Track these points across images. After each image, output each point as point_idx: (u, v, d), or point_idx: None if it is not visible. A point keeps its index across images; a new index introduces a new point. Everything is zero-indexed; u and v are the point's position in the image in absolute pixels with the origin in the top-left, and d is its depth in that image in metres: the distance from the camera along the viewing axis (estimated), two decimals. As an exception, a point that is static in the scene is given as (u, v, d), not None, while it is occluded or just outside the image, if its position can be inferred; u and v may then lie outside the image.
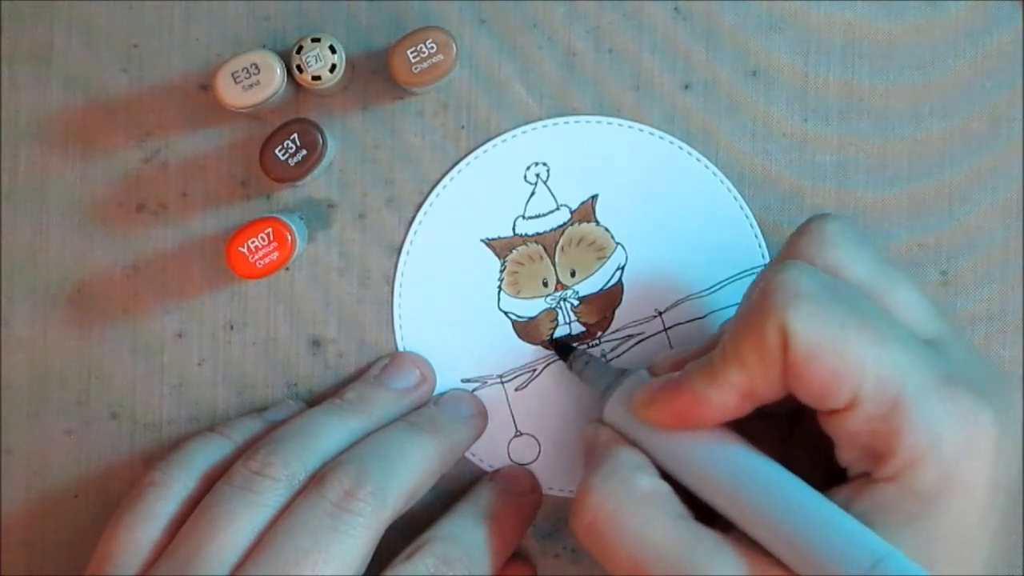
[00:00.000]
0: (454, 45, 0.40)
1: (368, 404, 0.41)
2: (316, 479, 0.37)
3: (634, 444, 0.37)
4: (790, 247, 0.36)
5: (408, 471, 0.39)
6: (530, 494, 0.43)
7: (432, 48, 0.40)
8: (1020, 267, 0.44)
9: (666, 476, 0.36)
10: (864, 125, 0.44)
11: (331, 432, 0.40)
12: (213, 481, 0.39)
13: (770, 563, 0.32)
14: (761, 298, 0.33)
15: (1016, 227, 0.44)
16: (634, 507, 0.34)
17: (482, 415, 0.43)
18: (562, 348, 0.43)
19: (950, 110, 0.44)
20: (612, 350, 0.44)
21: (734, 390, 0.34)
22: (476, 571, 0.39)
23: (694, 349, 0.39)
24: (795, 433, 0.38)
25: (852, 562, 0.30)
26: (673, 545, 0.33)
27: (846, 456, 0.34)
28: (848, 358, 0.32)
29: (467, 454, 0.44)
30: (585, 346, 0.44)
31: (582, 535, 0.35)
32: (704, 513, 0.35)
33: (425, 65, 0.40)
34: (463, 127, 0.43)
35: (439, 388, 0.43)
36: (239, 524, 0.37)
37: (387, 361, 0.43)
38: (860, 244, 0.36)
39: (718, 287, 0.43)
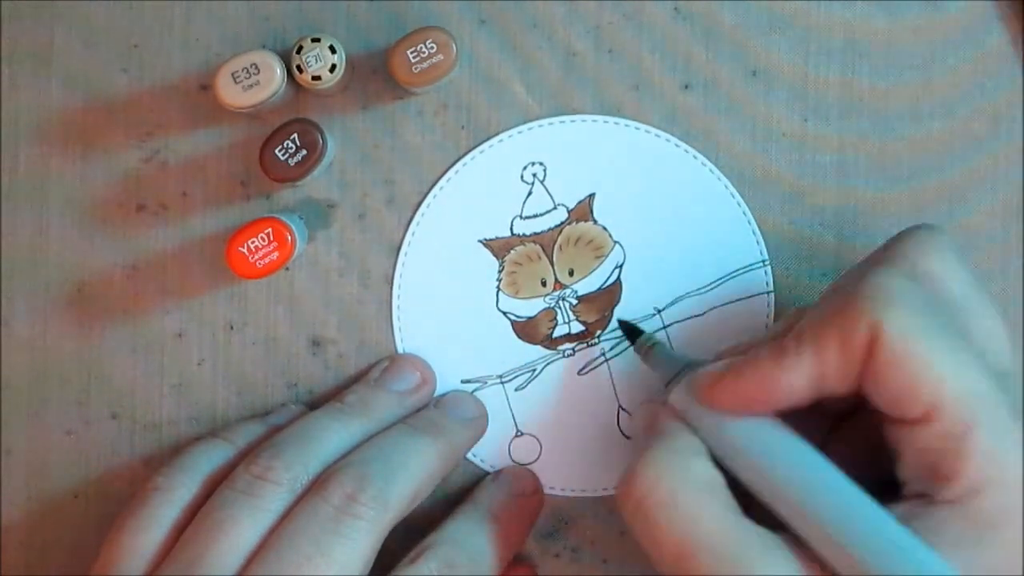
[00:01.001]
0: (454, 45, 0.40)
1: (369, 407, 0.41)
2: (318, 483, 0.37)
3: (695, 431, 0.37)
4: (891, 248, 0.36)
5: (410, 474, 0.39)
6: (532, 495, 0.43)
7: (432, 48, 0.40)
8: (1020, 267, 0.44)
9: (722, 470, 0.35)
10: (864, 125, 0.44)
11: (332, 435, 0.40)
12: (216, 485, 0.39)
13: (820, 568, 0.32)
14: (856, 294, 0.33)
15: (1016, 227, 0.44)
16: (690, 492, 0.34)
17: (483, 416, 0.43)
18: (629, 330, 0.43)
19: (950, 110, 0.44)
20: (611, 349, 0.44)
21: (804, 376, 0.34)
22: (479, 573, 0.39)
23: (758, 338, 0.39)
24: (835, 436, 0.38)
25: None
26: (724, 537, 0.33)
27: (908, 471, 0.34)
28: (933, 370, 0.32)
29: (468, 455, 0.44)
30: (584, 345, 0.44)
31: (629, 510, 0.34)
32: (754, 512, 0.34)
33: (425, 65, 0.40)
34: (463, 127, 0.43)
35: (439, 389, 0.43)
36: (242, 528, 0.37)
37: (387, 363, 0.43)
38: (959, 261, 0.36)
39: (716, 284, 0.43)
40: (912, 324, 0.32)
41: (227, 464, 0.40)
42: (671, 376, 0.39)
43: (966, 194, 0.44)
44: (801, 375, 0.34)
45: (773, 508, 0.34)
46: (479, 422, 0.43)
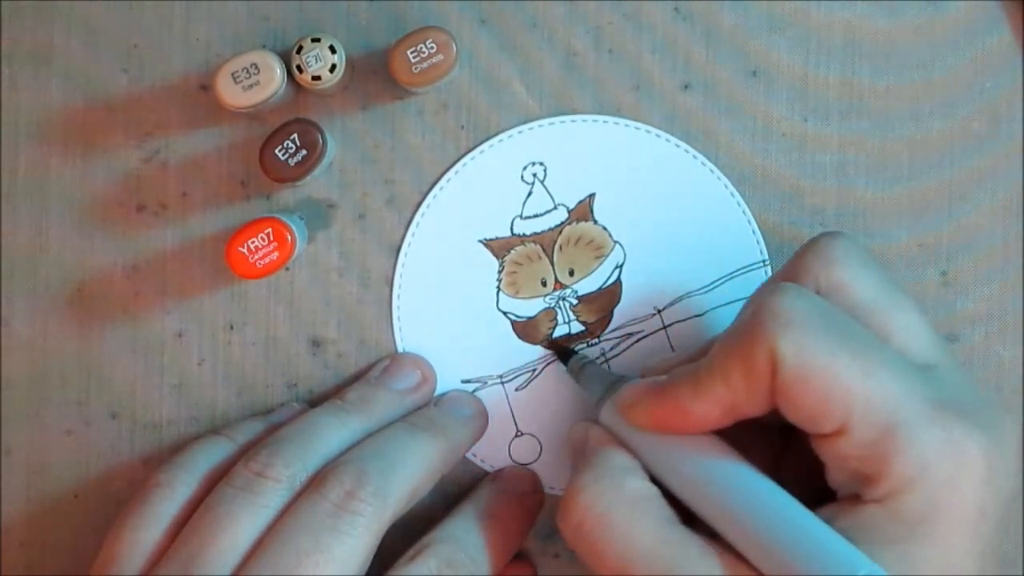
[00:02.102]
0: (454, 45, 0.40)
1: (369, 405, 0.41)
2: (316, 480, 0.37)
3: (625, 447, 0.37)
4: (795, 262, 0.37)
5: (408, 471, 0.39)
6: (532, 494, 0.43)
7: (432, 48, 0.40)
8: (1020, 267, 0.44)
9: (655, 481, 0.36)
10: (864, 125, 0.44)
11: (332, 433, 0.40)
12: (216, 482, 0.39)
13: (754, 574, 0.33)
14: (752, 320, 0.33)
15: (1016, 227, 0.44)
16: (624, 509, 0.34)
17: (482, 415, 0.43)
18: (561, 351, 0.43)
19: (950, 110, 0.44)
20: (611, 348, 0.44)
21: (717, 404, 0.34)
22: (479, 572, 0.39)
23: (687, 355, 0.40)
24: (789, 447, 0.38)
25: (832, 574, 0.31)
26: (660, 549, 0.33)
27: (835, 478, 0.34)
28: (837, 386, 0.32)
29: (468, 455, 0.44)
30: (584, 345, 0.44)
31: (570, 535, 0.35)
32: (691, 519, 0.35)
33: (425, 65, 0.40)
34: (463, 127, 0.43)
35: (439, 389, 0.43)
36: (240, 525, 0.37)
37: (388, 362, 0.43)
38: (865, 264, 0.36)
39: (716, 285, 0.43)
40: (808, 345, 0.32)
41: (227, 461, 0.40)
42: (600, 394, 0.39)
43: (966, 194, 0.44)
44: (714, 405, 0.34)
45: (702, 516, 0.34)
46: (479, 421, 0.43)
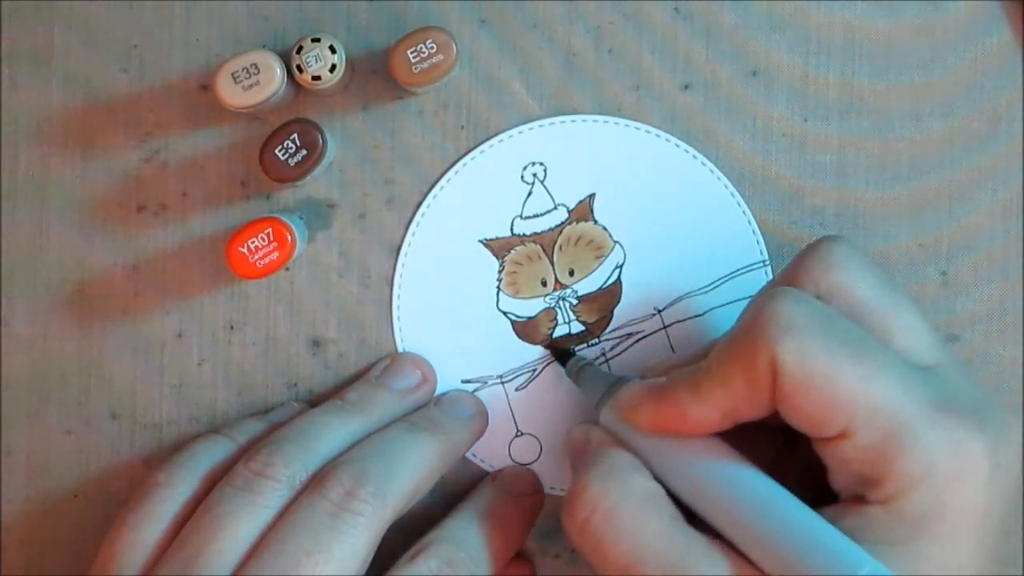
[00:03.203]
0: (454, 45, 0.40)
1: (369, 405, 0.41)
2: (316, 479, 0.37)
3: (627, 448, 0.37)
4: (795, 267, 0.37)
5: (408, 471, 0.39)
6: (532, 495, 0.43)
7: (432, 48, 0.40)
8: (1020, 267, 0.44)
9: (658, 481, 0.36)
10: (864, 125, 0.44)
11: (332, 433, 0.40)
12: (216, 482, 0.39)
13: (759, 574, 0.33)
14: (752, 325, 0.33)
15: (1016, 227, 0.44)
16: (631, 506, 0.34)
17: (482, 415, 0.43)
18: (560, 353, 0.43)
19: (950, 110, 0.44)
20: (611, 348, 0.44)
21: (716, 408, 0.34)
22: (479, 572, 0.39)
23: (687, 356, 0.40)
24: (789, 447, 0.38)
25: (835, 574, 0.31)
26: (667, 547, 0.33)
27: (838, 480, 0.34)
28: (839, 391, 0.32)
29: (468, 455, 0.44)
30: (585, 345, 0.44)
31: (575, 533, 0.35)
32: (693, 519, 0.35)
33: (425, 65, 0.40)
34: (463, 127, 0.43)
35: (440, 389, 0.43)
36: (240, 525, 0.37)
37: (388, 362, 0.43)
38: (865, 267, 0.36)
39: (716, 285, 0.43)
40: (808, 351, 0.32)
41: (228, 460, 0.40)
42: (600, 395, 0.39)
43: (966, 194, 0.44)
44: (713, 409, 0.34)
45: (704, 516, 0.34)
46: (479, 421, 0.43)
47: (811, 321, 0.33)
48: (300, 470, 0.38)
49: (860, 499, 0.33)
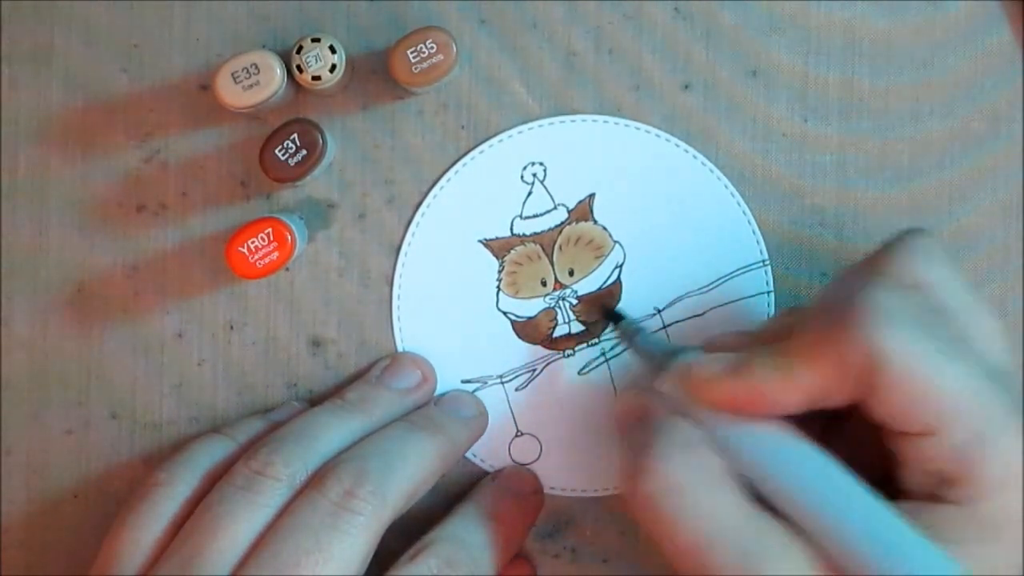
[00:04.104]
0: (454, 45, 0.40)
1: (369, 404, 0.41)
2: (316, 478, 0.37)
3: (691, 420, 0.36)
4: (882, 257, 0.36)
5: (408, 470, 0.39)
6: (532, 495, 0.43)
7: (432, 48, 0.40)
8: (1020, 267, 0.44)
9: None
10: (864, 125, 0.44)
11: (332, 432, 0.40)
12: (216, 481, 0.39)
13: (835, 569, 0.32)
14: (851, 311, 0.33)
15: (1016, 227, 0.44)
16: (702, 485, 0.33)
17: (483, 415, 0.43)
18: (610, 314, 0.43)
19: (950, 110, 0.44)
20: (611, 348, 0.44)
21: (800, 391, 0.34)
22: (479, 572, 0.39)
23: (755, 331, 0.39)
24: (831, 434, 0.38)
25: None
26: (743, 531, 0.32)
27: (913, 477, 0.34)
28: (935, 387, 0.32)
29: (468, 455, 0.44)
30: (584, 346, 0.44)
31: (639, 504, 0.34)
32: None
33: (425, 65, 0.40)
34: (463, 127, 0.43)
35: (439, 389, 0.43)
36: (240, 524, 0.37)
37: (388, 362, 0.43)
38: (952, 268, 0.36)
39: (716, 284, 0.43)
40: (911, 342, 0.32)
41: (228, 459, 0.40)
42: (659, 364, 0.38)
43: (966, 194, 0.44)
44: (796, 390, 0.34)
45: (775, 501, 0.33)
46: (479, 421, 0.43)
47: (911, 315, 0.33)
48: (300, 469, 0.38)
49: (935, 497, 0.33)
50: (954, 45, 0.44)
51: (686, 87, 0.43)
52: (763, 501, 0.34)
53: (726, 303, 0.43)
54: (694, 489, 0.33)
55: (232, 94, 0.40)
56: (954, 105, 0.44)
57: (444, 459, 0.41)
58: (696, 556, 0.32)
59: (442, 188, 0.43)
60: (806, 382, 0.33)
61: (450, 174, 0.43)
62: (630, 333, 0.42)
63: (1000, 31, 0.44)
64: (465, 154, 0.43)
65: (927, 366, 0.32)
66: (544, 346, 0.44)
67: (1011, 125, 0.44)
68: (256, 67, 0.40)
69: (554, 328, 0.44)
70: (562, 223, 0.43)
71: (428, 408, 0.43)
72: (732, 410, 0.35)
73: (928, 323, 0.33)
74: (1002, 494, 0.32)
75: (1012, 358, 0.35)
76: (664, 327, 0.44)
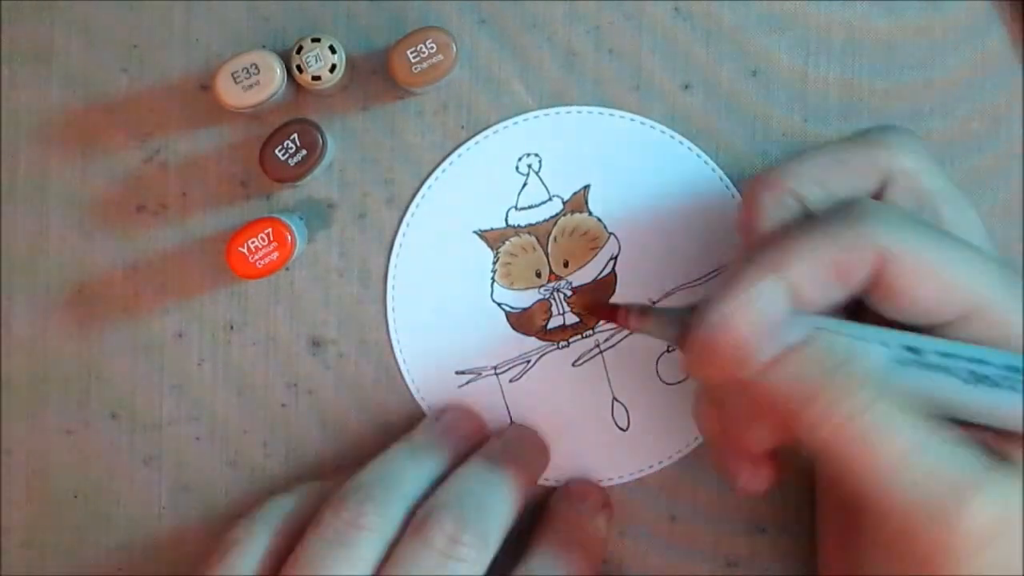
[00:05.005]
0: (454, 45, 0.40)
1: (438, 447, 0.41)
2: (414, 526, 0.37)
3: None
4: (852, 149, 0.36)
5: (501, 508, 0.39)
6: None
7: (432, 48, 0.40)
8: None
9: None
10: (864, 125, 0.43)
11: (411, 474, 0.39)
12: (293, 535, 0.38)
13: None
14: (850, 216, 0.33)
15: (1016, 227, 0.44)
16: (892, 404, 0.32)
17: (546, 447, 0.43)
18: (606, 313, 0.42)
19: (950, 110, 0.44)
20: (606, 340, 0.44)
21: (784, 286, 0.33)
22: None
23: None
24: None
25: None
26: (940, 447, 0.31)
27: None
28: (955, 276, 0.32)
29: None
30: (579, 337, 0.43)
31: (819, 440, 0.32)
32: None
33: (425, 65, 0.41)
34: (463, 127, 0.43)
35: (437, 382, 0.43)
36: None
37: (442, 409, 0.43)
38: (931, 158, 0.36)
39: (711, 276, 0.43)
40: (919, 235, 0.32)
41: (298, 512, 0.39)
42: (676, 332, 0.36)
43: (966, 194, 0.44)
44: (779, 290, 0.33)
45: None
46: (546, 452, 0.43)
47: (907, 213, 0.33)
48: (393, 518, 0.37)
49: None
50: (954, 45, 0.44)
51: (686, 87, 0.43)
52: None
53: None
54: (889, 415, 0.31)
55: (232, 94, 0.40)
56: (954, 105, 0.44)
57: (526, 493, 0.40)
58: (893, 492, 0.31)
59: (436, 179, 0.43)
60: (798, 286, 0.33)
61: (445, 165, 0.43)
62: (636, 313, 0.39)
63: (1000, 31, 0.44)
64: (460, 145, 0.43)
65: (941, 260, 0.32)
66: (538, 337, 0.44)
67: (1011, 125, 0.44)
68: (256, 67, 0.40)
69: (548, 319, 0.44)
70: (557, 214, 0.43)
71: (495, 443, 0.42)
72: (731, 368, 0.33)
73: (925, 221, 0.33)
74: None
75: (991, 246, 0.36)
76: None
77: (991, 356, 0.32)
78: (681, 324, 0.36)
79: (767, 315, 0.33)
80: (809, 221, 0.34)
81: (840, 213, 0.34)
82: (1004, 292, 0.33)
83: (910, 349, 0.32)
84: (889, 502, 0.31)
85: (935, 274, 0.32)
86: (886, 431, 0.31)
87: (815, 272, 0.33)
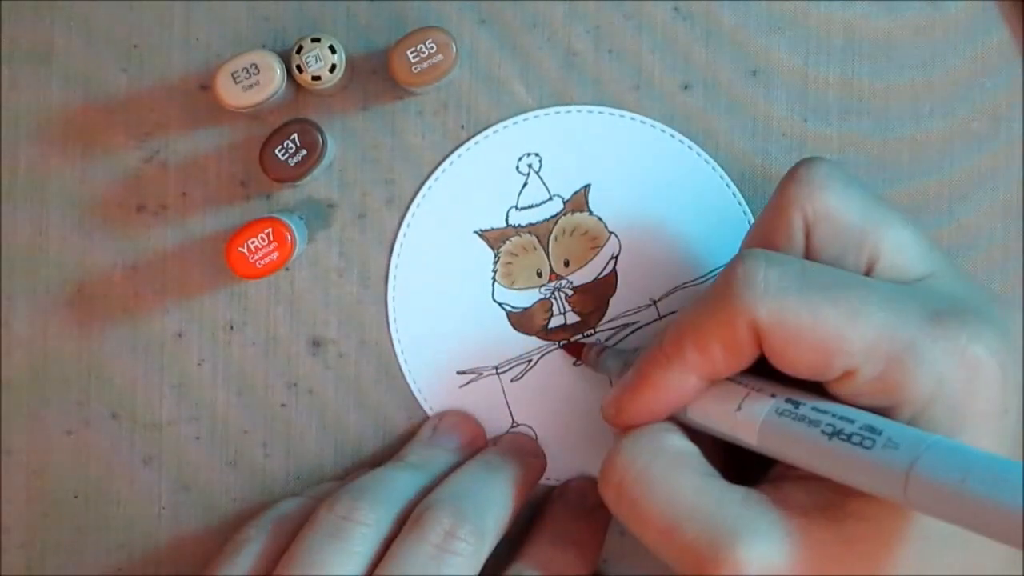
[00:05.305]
0: (454, 45, 0.40)
1: (430, 465, 0.41)
2: (411, 521, 0.37)
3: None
4: (779, 196, 0.36)
5: (498, 507, 0.39)
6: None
7: (432, 48, 0.40)
8: (1020, 267, 0.44)
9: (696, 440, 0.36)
10: (864, 125, 0.44)
11: (401, 483, 0.40)
12: (291, 535, 0.38)
13: (799, 513, 0.32)
14: (726, 290, 0.33)
15: (1016, 227, 0.44)
16: (664, 465, 0.34)
17: (542, 454, 0.43)
18: (574, 349, 0.43)
19: (950, 110, 0.44)
20: (607, 339, 0.44)
21: (694, 371, 0.34)
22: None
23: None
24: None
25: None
26: (703, 501, 0.33)
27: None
28: (827, 336, 0.32)
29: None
30: (581, 336, 0.44)
31: (611, 497, 0.34)
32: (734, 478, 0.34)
33: (425, 65, 0.40)
34: (463, 127, 0.43)
35: (437, 381, 0.43)
36: (334, 574, 0.36)
37: (436, 421, 0.43)
38: (849, 185, 0.35)
39: (712, 274, 0.43)
40: (788, 303, 0.32)
41: (299, 511, 0.40)
42: (618, 372, 0.39)
43: (966, 194, 0.44)
44: (690, 371, 0.34)
45: (755, 447, 0.34)
46: (541, 459, 0.43)
47: (784, 276, 0.33)
48: (386, 514, 0.38)
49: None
50: (954, 45, 0.44)
51: (686, 87, 0.43)
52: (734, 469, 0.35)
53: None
54: (654, 469, 0.34)
55: (232, 94, 0.40)
56: (954, 105, 0.44)
57: (522, 496, 0.41)
58: (666, 535, 0.33)
59: (437, 179, 0.43)
60: (695, 362, 0.34)
61: (445, 165, 0.43)
62: (593, 355, 0.42)
63: (1000, 31, 0.44)
64: (460, 145, 0.43)
65: (812, 319, 0.32)
66: (539, 337, 0.44)
67: (1011, 125, 0.44)
68: (256, 67, 0.40)
69: (549, 319, 0.44)
70: (558, 214, 0.43)
71: (492, 449, 0.43)
72: (650, 421, 0.36)
73: (806, 277, 0.33)
74: (938, 404, 0.31)
75: (937, 258, 0.35)
76: (660, 318, 0.44)
77: (856, 415, 0.31)
78: (624, 364, 0.39)
79: (674, 406, 0.36)
80: (701, 297, 0.35)
81: (719, 284, 0.34)
82: (894, 334, 0.32)
83: (791, 402, 0.33)
84: (667, 553, 0.33)
85: (807, 340, 0.32)
86: (660, 486, 0.33)
87: (708, 353, 0.34)
